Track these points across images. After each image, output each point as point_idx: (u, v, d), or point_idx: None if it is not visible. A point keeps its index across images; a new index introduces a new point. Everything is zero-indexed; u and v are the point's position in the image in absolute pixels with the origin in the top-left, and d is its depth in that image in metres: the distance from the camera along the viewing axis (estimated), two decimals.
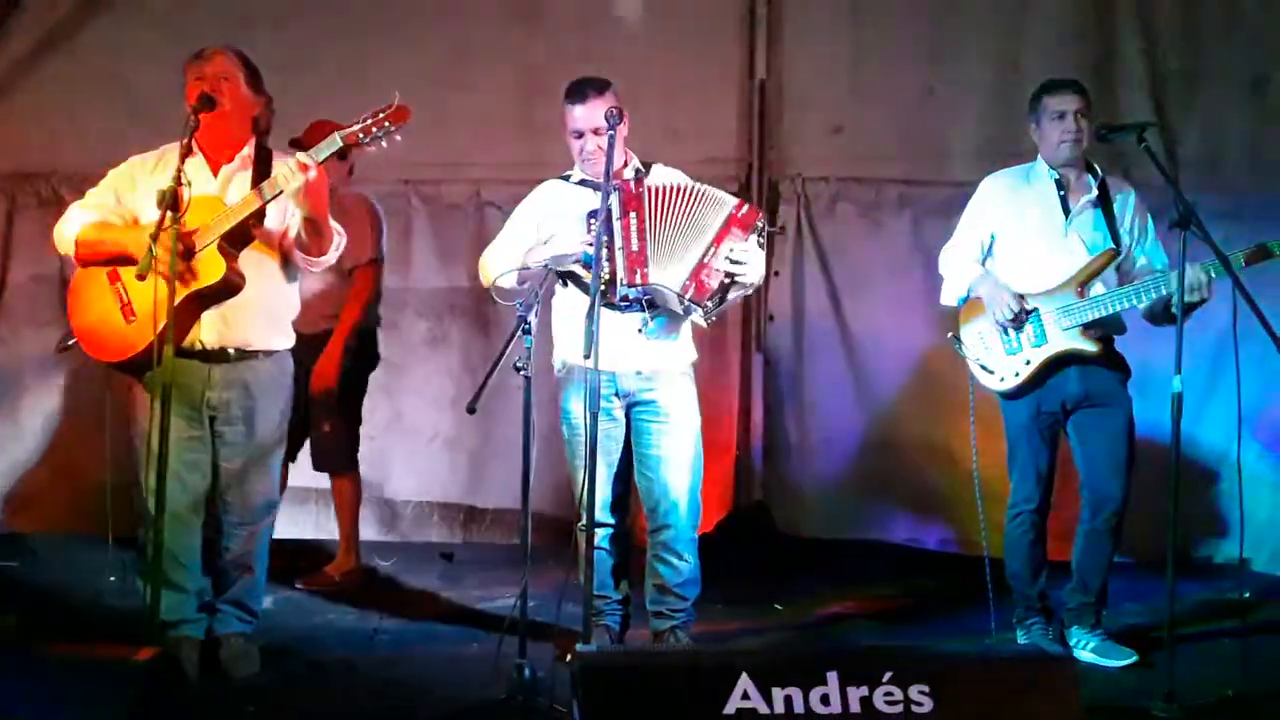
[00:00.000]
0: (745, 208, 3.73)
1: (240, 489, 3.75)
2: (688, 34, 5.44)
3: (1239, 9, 5.32)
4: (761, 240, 3.75)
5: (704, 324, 3.80)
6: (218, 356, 3.64)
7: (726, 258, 3.67)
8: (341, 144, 3.47)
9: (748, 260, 3.69)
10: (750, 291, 3.93)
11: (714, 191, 3.78)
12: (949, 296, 4.13)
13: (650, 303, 3.75)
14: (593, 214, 3.64)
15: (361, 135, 3.45)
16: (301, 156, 3.46)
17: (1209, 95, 5.31)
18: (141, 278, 3.41)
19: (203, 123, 3.49)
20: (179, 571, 3.65)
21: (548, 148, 4.76)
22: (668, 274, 3.68)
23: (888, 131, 5.46)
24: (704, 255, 3.67)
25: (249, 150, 3.68)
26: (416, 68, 5.16)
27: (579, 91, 3.82)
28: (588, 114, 3.79)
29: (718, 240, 3.68)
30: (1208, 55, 5.32)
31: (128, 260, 3.49)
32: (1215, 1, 5.34)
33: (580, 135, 3.83)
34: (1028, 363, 3.93)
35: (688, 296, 3.67)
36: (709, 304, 3.70)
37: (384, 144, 3.47)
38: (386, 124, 3.43)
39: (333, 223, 3.67)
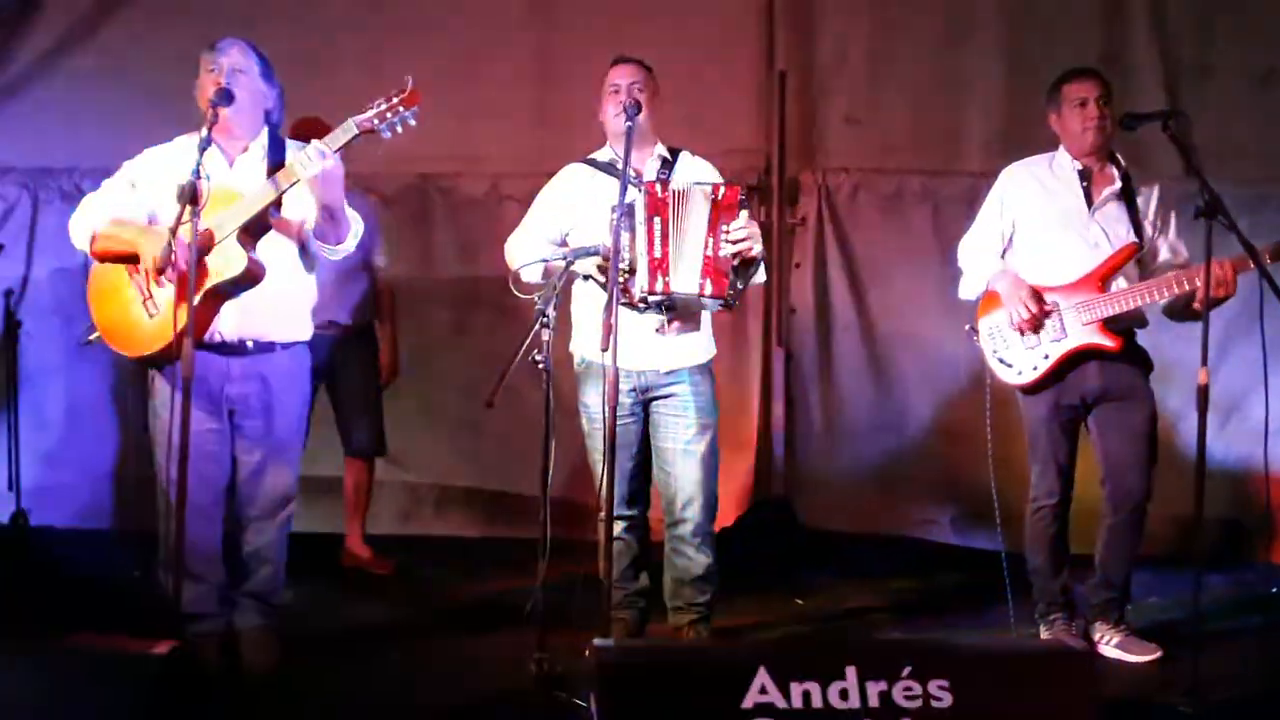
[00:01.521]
0: (721, 189, 3.73)
1: (259, 482, 3.75)
2: (708, 25, 5.42)
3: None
4: (748, 207, 3.78)
5: (730, 309, 3.83)
6: (236, 349, 3.65)
7: (727, 241, 3.68)
8: (357, 131, 3.45)
9: (745, 233, 3.69)
10: (762, 275, 3.92)
11: (692, 186, 3.77)
12: (967, 291, 4.09)
13: (669, 305, 3.76)
14: (615, 208, 3.64)
15: (376, 121, 3.43)
16: (318, 144, 3.46)
17: (1222, 87, 5.25)
18: (161, 272, 3.44)
19: (221, 114, 3.50)
20: (199, 564, 3.66)
21: (566, 140, 4.75)
22: (686, 280, 3.69)
23: (908, 122, 5.42)
24: (706, 249, 3.67)
25: (262, 140, 3.68)
26: (433, 60, 5.15)
27: (622, 58, 3.92)
28: (625, 70, 3.87)
29: (712, 230, 3.68)
30: (1221, 46, 5.26)
31: (136, 260, 3.53)
32: None
33: (617, 90, 3.86)
34: (1046, 357, 3.89)
35: (707, 296, 3.69)
36: (729, 293, 3.70)
37: (399, 130, 3.45)
38: (400, 109, 3.42)
39: (350, 211, 3.67)
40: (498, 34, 5.42)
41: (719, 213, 3.69)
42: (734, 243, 3.68)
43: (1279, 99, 5.20)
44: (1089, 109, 3.89)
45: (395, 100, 3.42)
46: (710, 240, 3.68)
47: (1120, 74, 5.10)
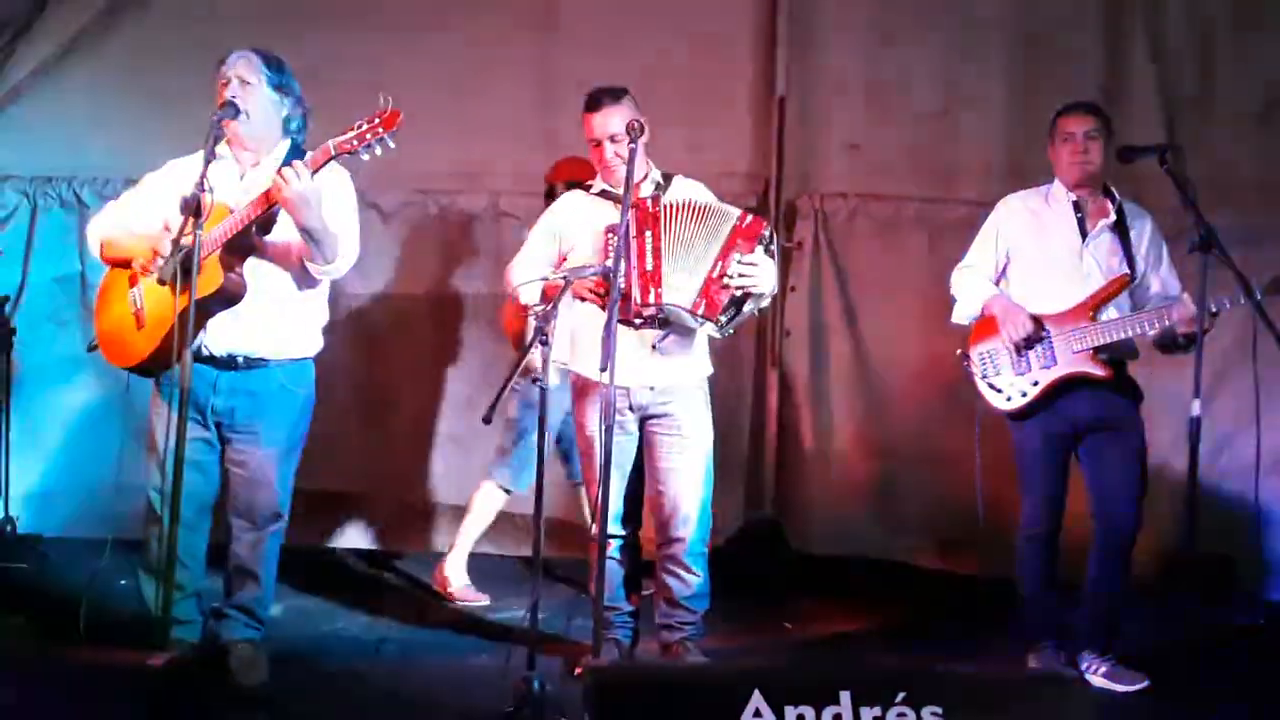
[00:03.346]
0: (749, 218, 3.73)
1: (247, 495, 3.74)
2: (709, 49, 5.44)
3: (1251, 32, 5.30)
4: (771, 250, 3.75)
5: (718, 335, 3.81)
6: (226, 364, 3.64)
7: (735, 271, 3.67)
8: (335, 154, 3.39)
9: (756, 271, 3.69)
10: (766, 303, 3.93)
11: (719, 205, 3.78)
12: (960, 316, 4.12)
13: (664, 321, 3.76)
14: (611, 229, 3.65)
15: (355, 143, 3.36)
16: (296, 166, 3.40)
17: (1220, 119, 5.28)
18: (163, 283, 3.44)
19: (230, 127, 3.50)
20: (179, 570, 3.60)
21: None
22: (681, 293, 3.69)
23: (906, 149, 5.45)
24: (711, 270, 3.68)
25: (279, 153, 3.64)
26: (436, 77, 5.18)
27: (596, 100, 3.85)
28: (604, 121, 3.82)
29: (724, 254, 3.68)
30: (1219, 79, 5.29)
31: (129, 266, 3.54)
32: (1227, 25, 5.32)
33: (598, 144, 3.84)
34: (1035, 384, 3.92)
35: (699, 313, 3.69)
36: (721, 319, 3.70)
37: (377, 151, 3.36)
38: (380, 130, 3.34)
39: (338, 230, 3.59)
40: (499, 52, 5.44)
41: (736, 239, 3.69)
42: (741, 274, 3.68)
43: (1277, 132, 5.24)
44: (1075, 144, 3.95)
45: (377, 121, 3.34)
46: (720, 263, 3.68)
47: (1119, 105, 5.14)
